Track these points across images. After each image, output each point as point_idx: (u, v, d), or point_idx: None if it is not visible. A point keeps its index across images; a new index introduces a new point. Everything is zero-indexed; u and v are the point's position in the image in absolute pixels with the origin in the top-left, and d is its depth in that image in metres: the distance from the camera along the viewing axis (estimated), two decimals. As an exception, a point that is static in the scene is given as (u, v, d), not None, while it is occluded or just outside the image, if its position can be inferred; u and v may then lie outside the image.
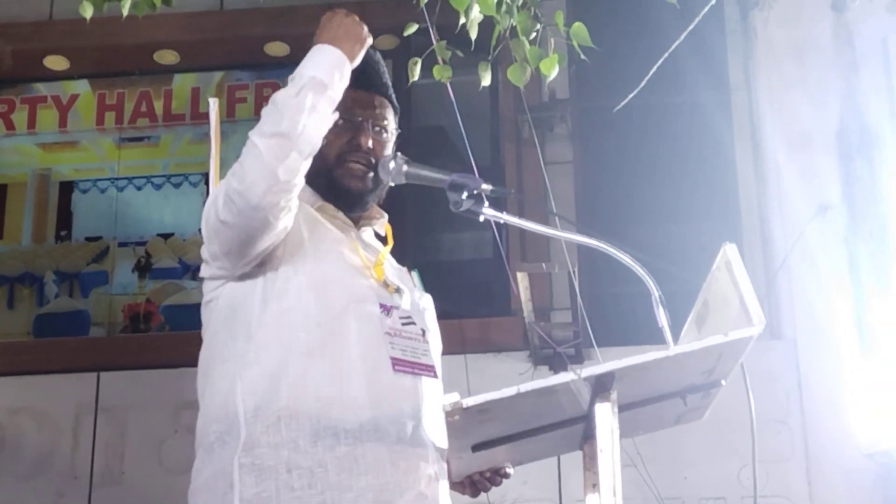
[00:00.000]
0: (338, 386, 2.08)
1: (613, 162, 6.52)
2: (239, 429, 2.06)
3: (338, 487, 2.02)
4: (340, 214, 2.32)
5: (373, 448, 2.07)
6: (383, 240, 2.41)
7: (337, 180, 2.31)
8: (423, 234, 6.43)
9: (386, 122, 2.37)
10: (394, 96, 2.44)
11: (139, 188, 6.84)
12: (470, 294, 6.33)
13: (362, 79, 2.32)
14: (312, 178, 2.23)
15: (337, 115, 2.18)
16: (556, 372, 2.07)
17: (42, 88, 7.01)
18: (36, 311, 6.70)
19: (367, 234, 2.40)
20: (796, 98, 6.08)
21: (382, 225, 2.41)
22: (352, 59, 2.18)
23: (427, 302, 2.36)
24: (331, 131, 2.20)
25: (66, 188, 6.89)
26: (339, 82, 2.15)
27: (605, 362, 2.00)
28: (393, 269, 2.35)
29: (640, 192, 6.37)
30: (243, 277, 2.17)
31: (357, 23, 2.22)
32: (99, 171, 6.90)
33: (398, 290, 2.27)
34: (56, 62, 6.86)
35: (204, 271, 2.24)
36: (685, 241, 5.95)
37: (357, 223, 2.36)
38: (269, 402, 2.06)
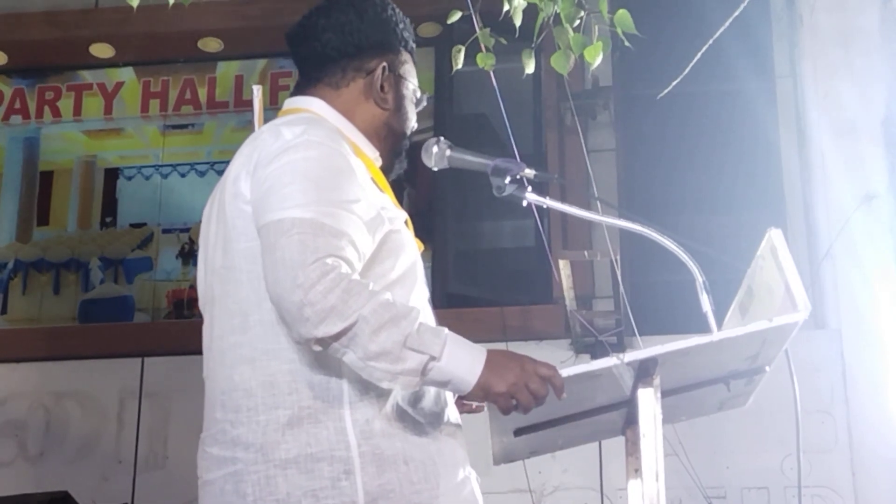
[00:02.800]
0: None
1: (657, 150, 6.48)
2: (342, 410, 1.97)
3: (446, 476, 2.02)
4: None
5: (457, 433, 2.10)
6: None
7: (402, 150, 2.33)
8: (463, 222, 6.43)
9: None
10: None
11: (183, 175, 6.88)
12: (511, 282, 6.32)
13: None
14: (386, 135, 2.26)
15: None
16: (597, 360, 2.06)
17: (87, 76, 7.06)
18: (81, 296, 6.75)
19: None
20: (842, 86, 6.02)
21: None
22: (476, 394, 1.93)
23: None
24: (412, 104, 2.29)
25: (111, 175, 6.93)
26: (435, 383, 1.93)
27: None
28: None
29: (684, 181, 6.34)
30: None
31: (540, 384, 1.93)
32: (143, 158, 6.94)
33: None
34: (101, 50, 6.90)
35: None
36: (728, 230, 5.92)
37: None
38: (378, 388, 1.97)
